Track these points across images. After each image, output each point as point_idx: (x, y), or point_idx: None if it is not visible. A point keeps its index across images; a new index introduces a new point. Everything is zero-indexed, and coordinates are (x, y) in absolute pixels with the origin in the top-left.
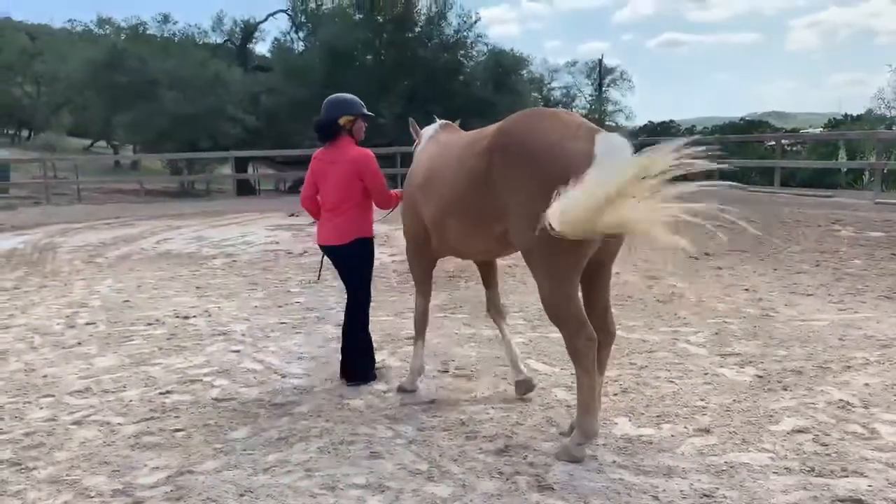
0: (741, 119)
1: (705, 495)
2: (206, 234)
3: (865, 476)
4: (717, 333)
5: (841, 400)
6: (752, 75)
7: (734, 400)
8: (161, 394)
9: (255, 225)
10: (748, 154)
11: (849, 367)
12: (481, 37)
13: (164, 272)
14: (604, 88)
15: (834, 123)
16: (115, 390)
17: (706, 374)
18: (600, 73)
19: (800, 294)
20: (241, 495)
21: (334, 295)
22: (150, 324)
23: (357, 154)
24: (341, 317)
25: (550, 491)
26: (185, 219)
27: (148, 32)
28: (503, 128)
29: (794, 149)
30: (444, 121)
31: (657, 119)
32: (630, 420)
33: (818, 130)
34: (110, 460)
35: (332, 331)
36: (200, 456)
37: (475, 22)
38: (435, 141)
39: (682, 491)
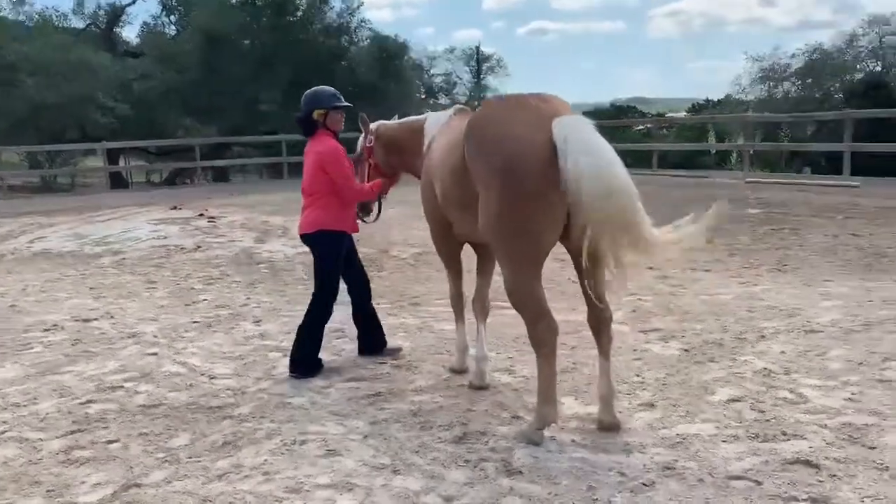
0: (610, 104)
1: (667, 467)
2: (84, 231)
3: (805, 438)
4: (634, 311)
5: (764, 368)
6: (616, 62)
7: (667, 374)
8: (81, 404)
9: (137, 219)
10: (621, 138)
11: (763, 336)
12: (365, 22)
13: (48, 273)
14: (482, 76)
15: (697, 108)
16: (25, 403)
17: (635, 350)
18: (478, 61)
19: (700, 270)
20: None
21: (241, 290)
22: (47, 329)
23: (322, 147)
24: (256, 312)
25: (519, 475)
26: (56, 215)
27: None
28: (472, 118)
29: (662, 132)
30: (459, 105)
31: None
32: (576, 399)
33: (682, 114)
34: (42, 479)
35: (251, 328)
36: (144, 467)
37: (358, 7)
38: (448, 127)
39: (644, 465)
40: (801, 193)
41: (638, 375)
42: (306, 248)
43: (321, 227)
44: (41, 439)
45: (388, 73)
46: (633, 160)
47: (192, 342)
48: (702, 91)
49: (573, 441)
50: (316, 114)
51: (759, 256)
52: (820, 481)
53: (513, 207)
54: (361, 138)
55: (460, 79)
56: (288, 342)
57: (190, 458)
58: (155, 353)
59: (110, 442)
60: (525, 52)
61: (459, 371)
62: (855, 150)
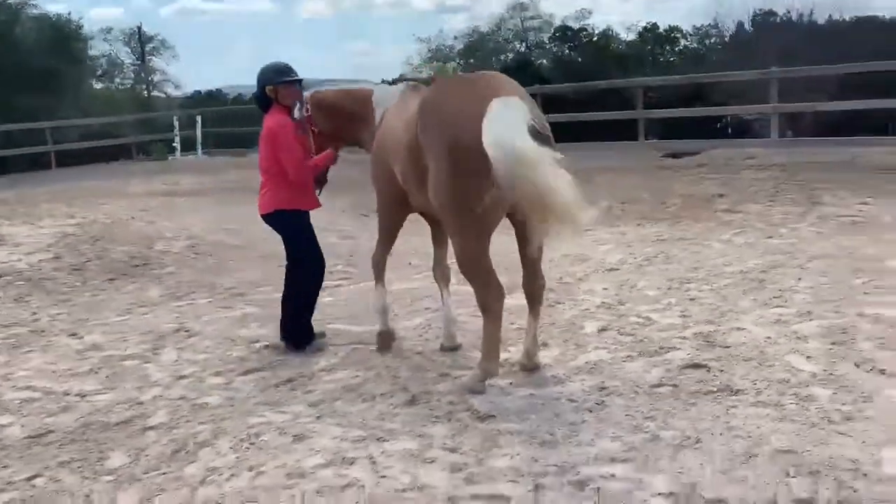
0: None
1: (601, 388)
2: None
3: (678, 349)
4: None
5: (602, 302)
6: (271, 44)
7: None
8: None
9: None
10: None
11: (580, 279)
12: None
13: None
14: (147, 57)
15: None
16: None
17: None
18: (141, 42)
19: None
20: None
21: (16, 307)
22: None
23: (268, 124)
24: (62, 325)
25: (493, 418)
26: None
27: None
28: (424, 97)
29: None
30: (412, 81)
31: (204, 88)
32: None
33: None
34: None
35: (74, 341)
36: (102, 493)
37: None
38: (402, 104)
39: (582, 389)
40: None
41: (512, 323)
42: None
43: (277, 207)
44: None
45: (62, 56)
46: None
47: (10, 366)
48: (360, 72)
49: (510, 383)
50: (268, 90)
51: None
52: (714, 376)
53: (459, 183)
54: (296, 109)
55: (122, 60)
56: (128, 347)
57: (147, 472)
58: None
59: (31, 478)
60: (175, 33)
61: (386, 332)
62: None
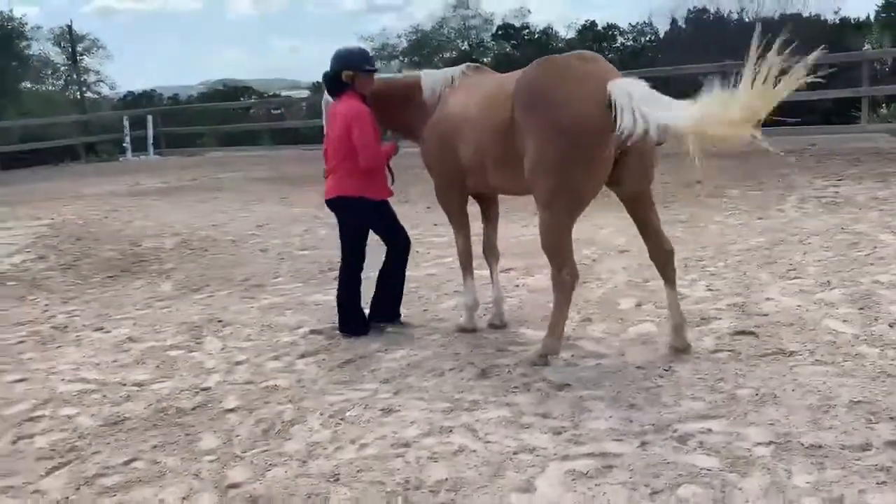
0: (224, 85)
1: (660, 357)
2: None
3: (721, 319)
4: None
5: (628, 279)
6: (198, 43)
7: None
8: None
9: None
10: (232, 119)
11: (594, 260)
12: None
13: None
14: (79, 57)
15: (318, 86)
16: None
17: (516, 286)
18: (72, 41)
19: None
20: (333, 478)
21: (37, 298)
22: None
23: (348, 109)
24: (82, 321)
25: (569, 386)
26: None
27: None
28: (524, 76)
29: (277, 111)
30: (472, 63)
31: (132, 88)
32: (528, 327)
33: (306, 93)
34: None
35: (105, 336)
36: (212, 472)
37: None
38: (466, 85)
39: (645, 359)
40: None
41: (548, 302)
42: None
43: (341, 193)
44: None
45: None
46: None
47: (48, 361)
48: (290, 72)
49: (572, 355)
50: (345, 75)
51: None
52: (764, 341)
53: (573, 163)
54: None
55: (52, 59)
56: (166, 338)
57: (246, 451)
58: (25, 380)
59: (129, 462)
60: (96, 33)
61: (471, 330)
62: None
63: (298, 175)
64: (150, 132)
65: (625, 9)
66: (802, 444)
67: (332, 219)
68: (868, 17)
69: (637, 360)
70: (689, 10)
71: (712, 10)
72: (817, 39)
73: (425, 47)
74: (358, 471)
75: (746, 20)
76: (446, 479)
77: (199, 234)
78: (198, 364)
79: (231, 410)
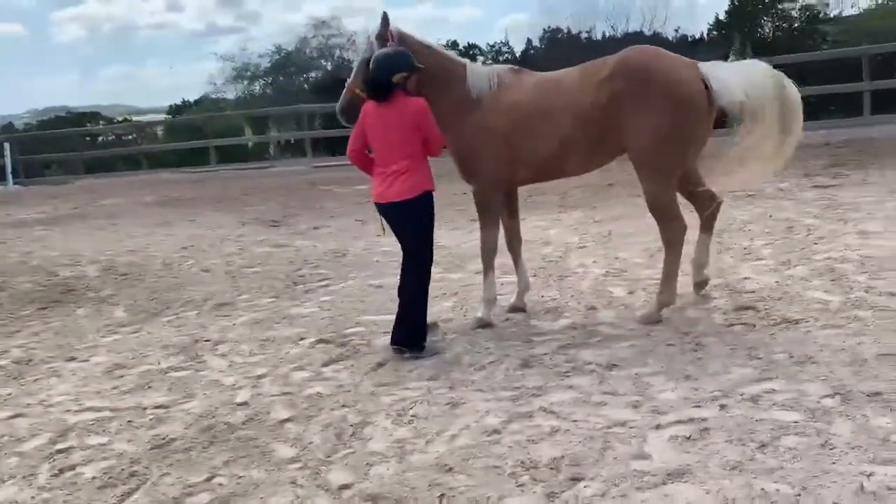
0: (68, 112)
1: (684, 333)
2: None
3: (717, 298)
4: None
5: (607, 271)
6: (21, 70)
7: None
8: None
9: None
10: (78, 147)
11: (563, 257)
12: None
13: None
14: None
15: (177, 109)
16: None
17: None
18: None
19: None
20: (444, 469)
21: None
22: None
23: (418, 105)
24: (37, 354)
25: (617, 366)
26: None
27: None
28: (626, 59)
29: (129, 137)
30: (509, 66)
31: None
32: (537, 319)
33: (163, 117)
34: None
35: (82, 365)
36: (306, 478)
37: None
38: (518, 84)
39: (672, 337)
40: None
41: (541, 296)
42: None
43: (426, 188)
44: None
45: None
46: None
47: (34, 395)
48: (120, 97)
49: (598, 342)
50: (397, 77)
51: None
52: (767, 313)
53: (684, 131)
54: (375, 40)
55: None
56: (159, 360)
57: (331, 455)
58: (20, 415)
59: (209, 479)
60: None
61: (488, 324)
62: None
63: (188, 197)
64: (9, 161)
65: (480, 28)
66: (863, 392)
67: (259, 235)
68: (702, 35)
69: (665, 338)
70: (543, 29)
71: (565, 30)
72: None
73: (289, 66)
74: (464, 459)
75: (595, 39)
76: (561, 457)
77: (121, 261)
78: (215, 382)
79: (287, 420)
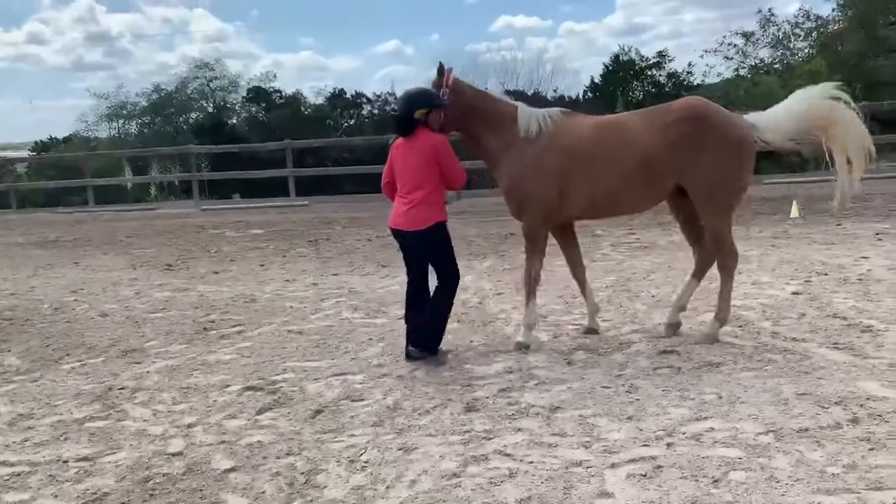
0: None
1: (589, 364)
2: None
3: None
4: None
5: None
6: None
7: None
8: None
9: None
10: None
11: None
12: None
13: None
14: None
15: (43, 146)
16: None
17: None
18: None
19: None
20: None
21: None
22: None
23: (436, 140)
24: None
25: (560, 409)
26: None
27: None
28: (690, 107)
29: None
30: (560, 108)
31: None
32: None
33: (26, 153)
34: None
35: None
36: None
37: None
38: (575, 126)
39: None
40: (267, 216)
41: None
42: None
43: (438, 220)
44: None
45: None
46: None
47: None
48: None
49: (535, 386)
50: (418, 113)
51: (337, 260)
52: (688, 356)
53: (743, 171)
54: (432, 87)
55: None
56: (70, 411)
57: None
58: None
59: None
60: None
61: (527, 346)
62: (297, 175)
63: (69, 239)
64: None
65: (361, 77)
66: (793, 429)
67: (156, 280)
68: (578, 96)
69: (598, 381)
70: (431, 82)
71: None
72: None
73: (167, 107)
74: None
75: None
76: (528, 498)
77: (2, 304)
78: (141, 431)
79: (231, 470)
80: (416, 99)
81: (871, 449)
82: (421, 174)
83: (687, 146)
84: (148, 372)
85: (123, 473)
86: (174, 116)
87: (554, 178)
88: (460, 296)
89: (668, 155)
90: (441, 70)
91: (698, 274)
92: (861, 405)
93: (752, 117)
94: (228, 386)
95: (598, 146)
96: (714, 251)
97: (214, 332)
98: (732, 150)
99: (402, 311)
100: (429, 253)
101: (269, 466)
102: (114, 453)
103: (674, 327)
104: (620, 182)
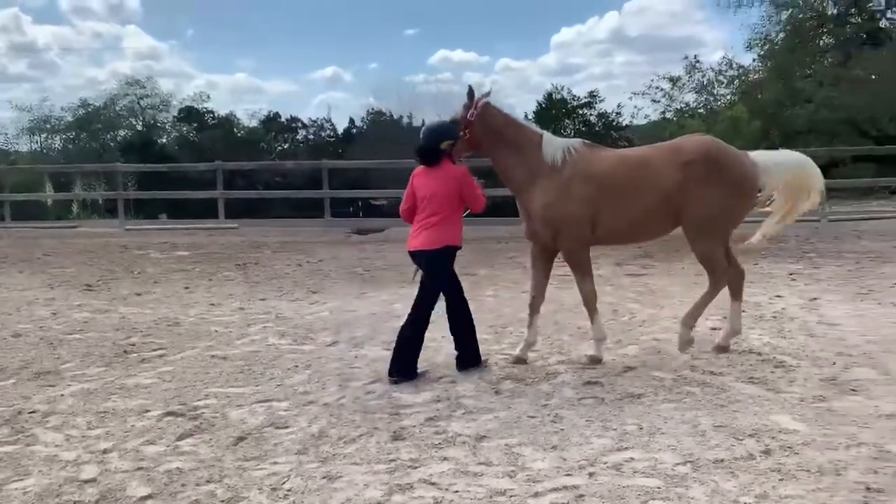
0: None
1: (517, 394)
2: None
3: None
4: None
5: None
6: None
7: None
8: None
9: None
10: None
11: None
12: None
13: None
14: None
15: None
16: None
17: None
18: None
19: (263, 296)
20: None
21: None
22: None
23: (459, 172)
24: None
25: (486, 437)
26: None
27: None
28: (697, 146)
29: None
30: (582, 139)
31: None
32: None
33: None
34: None
35: None
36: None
37: None
38: (599, 157)
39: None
40: (195, 238)
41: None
42: None
43: (449, 243)
44: None
45: None
46: None
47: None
48: None
49: (462, 415)
50: (444, 144)
51: (267, 285)
52: (611, 387)
53: (743, 206)
54: (462, 109)
55: None
56: None
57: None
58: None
59: None
60: None
61: (599, 360)
62: (227, 197)
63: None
64: None
65: (297, 102)
66: (709, 460)
67: (74, 300)
68: None
69: (524, 410)
70: (367, 110)
71: (387, 113)
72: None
73: (94, 123)
74: None
75: (415, 125)
76: None
77: None
78: (52, 457)
79: (147, 497)
80: (443, 131)
81: (782, 479)
82: (443, 201)
83: (699, 183)
84: (62, 395)
85: (31, 501)
86: (101, 133)
87: (585, 204)
88: (392, 324)
89: (682, 190)
90: (471, 92)
91: (735, 294)
92: (773, 437)
93: (756, 156)
94: (148, 411)
95: (625, 179)
96: (708, 272)
97: (135, 355)
98: (739, 187)
99: (332, 339)
100: (433, 273)
101: (187, 494)
102: (21, 480)
103: (724, 349)
104: (641, 213)
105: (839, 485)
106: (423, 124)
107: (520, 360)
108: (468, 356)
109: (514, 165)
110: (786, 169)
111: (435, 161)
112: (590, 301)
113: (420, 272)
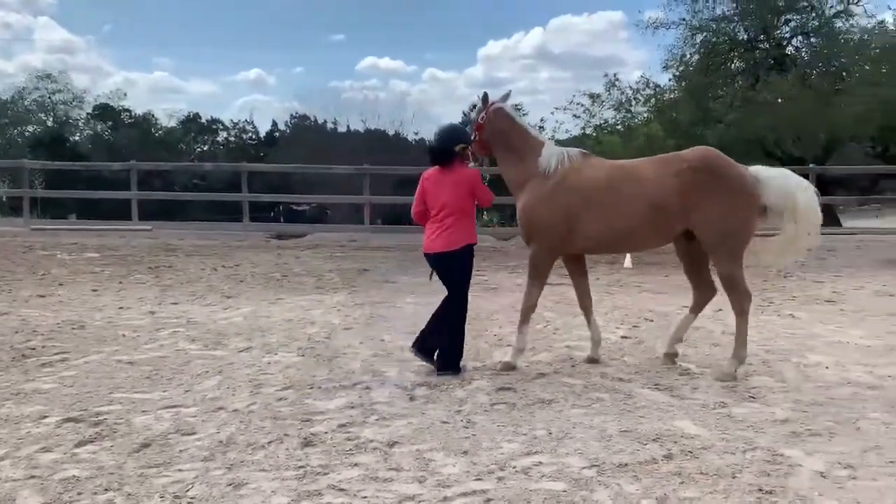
0: None
1: (431, 400)
2: None
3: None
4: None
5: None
6: None
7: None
8: None
9: None
10: None
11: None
12: None
13: None
14: None
15: None
16: None
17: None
18: None
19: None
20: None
21: None
22: None
23: (471, 173)
24: None
25: (399, 443)
26: None
27: None
28: (699, 156)
29: None
30: (580, 149)
31: None
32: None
33: None
34: None
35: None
36: None
37: None
38: (590, 167)
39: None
40: (106, 239)
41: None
42: None
43: (468, 242)
44: None
45: None
46: None
47: None
48: None
49: (376, 421)
50: (458, 147)
51: (212, 285)
52: (517, 392)
53: (750, 220)
54: (475, 112)
55: None
56: None
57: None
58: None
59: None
60: None
61: (513, 367)
62: (142, 198)
63: None
64: None
65: (218, 104)
66: (614, 464)
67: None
68: None
69: (438, 416)
70: (291, 114)
71: (312, 118)
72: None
73: (1, 117)
74: None
75: (340, 130)
76: None
77: None
78: None
79: None
80: (457, 135)
81: (682, 482)
82: (457, 202)
83: (698, 194)
84: None
85: None
86: (8, 128)
87: (561, 214)
88: (307, 330)
89: (678, 201)
90: (485, 97)
91: (695, 309)
92: (675, 442)
93: (756, 171)
94: (45, 417)
95: (609, 189)
96: (728, 293)
97: (34, 359)
98: (742, 199)
99: (245, 344)
100: (454, 271)
101: (84, 503)
102: None
103: (671, 357)
104: (628, 223)
105: (734, 487)
106: (370, 129)
107: (592, 360)
108: (448, 357)
109: (513, 169)
110: (776, 189)
111: (448, 162)
112: (528, 311)
113: (435, 274)
